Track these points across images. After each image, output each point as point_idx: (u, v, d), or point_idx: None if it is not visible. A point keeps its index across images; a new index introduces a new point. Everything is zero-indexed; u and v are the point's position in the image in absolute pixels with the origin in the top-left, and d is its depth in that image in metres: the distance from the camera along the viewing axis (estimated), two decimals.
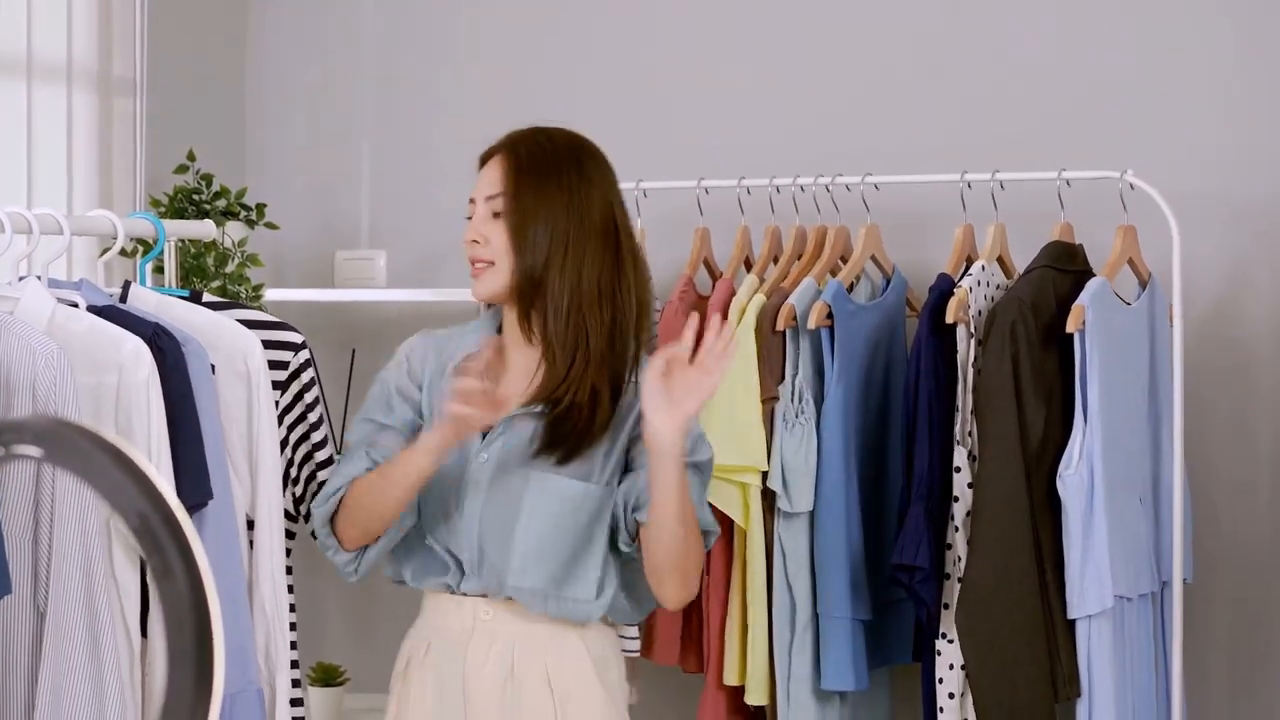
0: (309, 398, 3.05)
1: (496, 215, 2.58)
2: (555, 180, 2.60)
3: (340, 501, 2.65)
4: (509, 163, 2.62)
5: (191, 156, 3.95)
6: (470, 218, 2.63)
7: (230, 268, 3.82)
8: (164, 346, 2.73)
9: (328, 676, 3.89)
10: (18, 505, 2.53)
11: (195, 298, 3.03)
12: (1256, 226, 3.50)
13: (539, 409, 2.57)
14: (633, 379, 2.57)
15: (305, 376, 3.05)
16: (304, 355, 3.05)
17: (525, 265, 2.56)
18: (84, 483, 1.35)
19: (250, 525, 2.98)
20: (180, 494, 2.69)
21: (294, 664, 3.11)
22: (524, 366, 2.62)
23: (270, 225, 3.98)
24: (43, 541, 2.55)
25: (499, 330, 2.68)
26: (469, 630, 2.59)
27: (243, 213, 3.95)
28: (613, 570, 2.58)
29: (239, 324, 2.96)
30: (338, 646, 4.18)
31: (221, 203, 3.90)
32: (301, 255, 4.22)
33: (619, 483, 2.57)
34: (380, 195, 4.23)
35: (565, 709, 2.56)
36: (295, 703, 3.09)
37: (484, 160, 2.66)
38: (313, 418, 3.05)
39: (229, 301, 3.07)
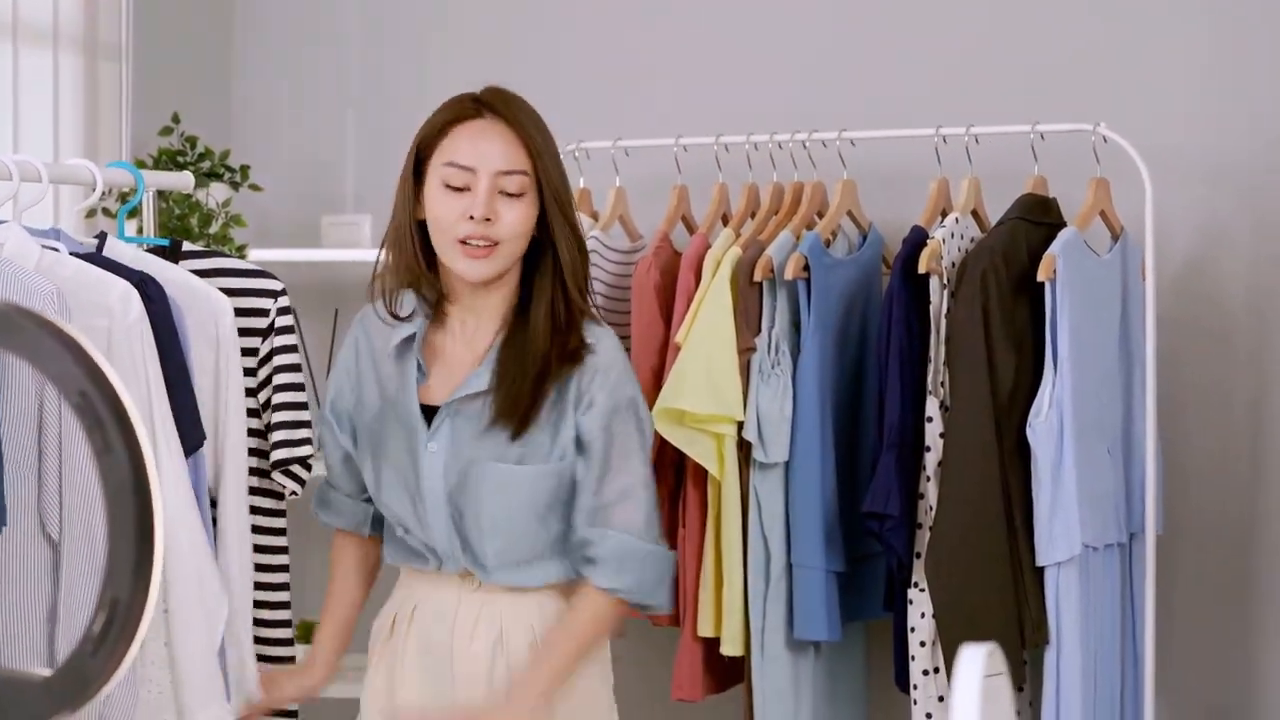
0: (287, 343, 3.08)
1: (510, 195, 2.49)
2: (557, 154, 2.56)
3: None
4: (526, 140, 2.52)
5: (176, 119, 3.98)
6: (461, 188, 2.50)
7: (214, 228, 3.85)
8: (151, 294, 2.74)
9: (310, 635, 3.91)
10: (20, 434, 2.51)
11: (176, 247, 3.05)
12: (1232, 182, 3.52)
13: (486, 387, 2.54)
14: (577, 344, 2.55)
15: (283, 324, 3.07)
16: (283, 302, 3.07)
17: (581, 240, 2.57)
18: (26, 362, 1.38)
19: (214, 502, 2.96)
20: (180, 437, 2.72)
21: (286, 623, 3.15)
22: (464, 357, 2.60)
23: (254, 187, 4.02)
24: (49, 470, 2.54)
25: (430, 316, 2.63)
26: (455, 600, 2.61)
27: (227, 174, 3.98)
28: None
29: (212, 288, 2.95)
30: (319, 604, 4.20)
31: (206, 164, 3.94)
32: (287, 219, 4.24)
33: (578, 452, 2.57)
34: (366, 160, 4.26)
35: None
36: (283, 642, 3.12)
37: (457, 120, 2.53)
38: (291, 362, 3.07)
39: (209, 250, 3.10)
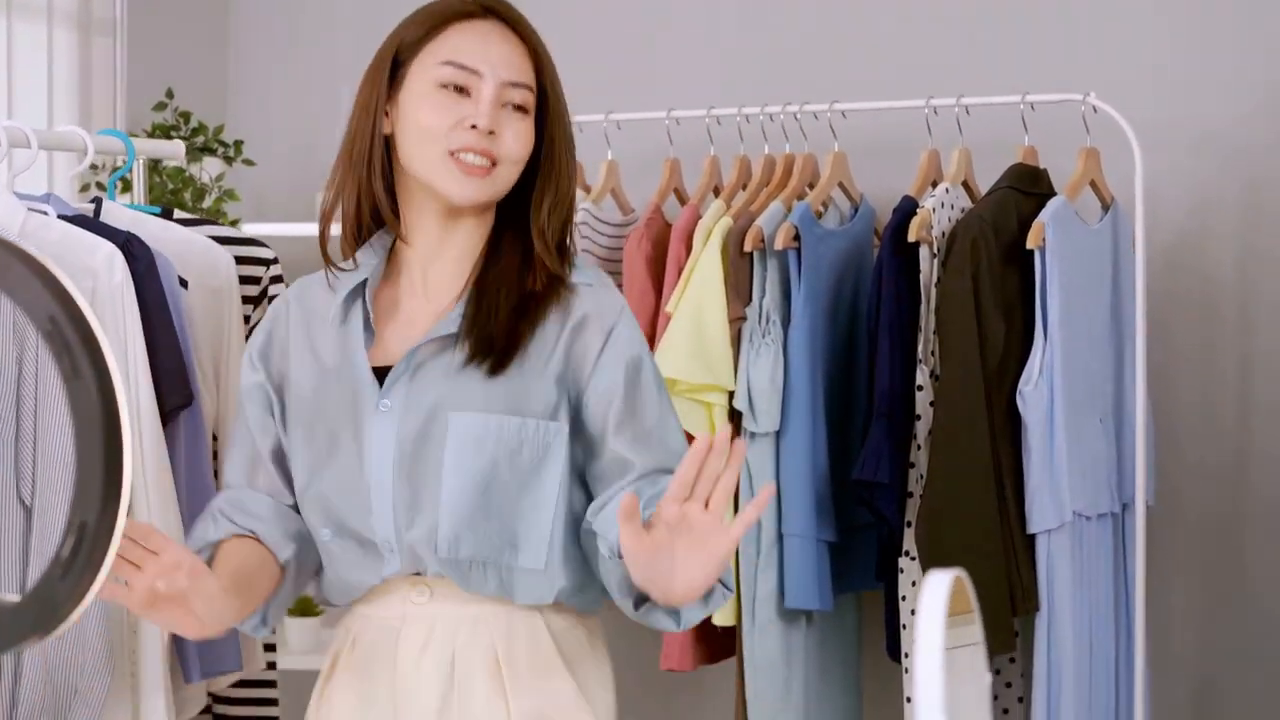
0: None
1: (515, 109, 2.10)
2: (557, 77, 2.18)
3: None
4: (535, 52, 2.14)
5: (170, 94, 3.99)
6: (459, 92, 2.09)
7: (207, 203, 3.86)
8: (137, 254, 2.76)
9: (305, 608, 3.92)
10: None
11: (167, 215, 3.06)
12: (1221, 152, 3.52)
13: (456, 329, 2.10)
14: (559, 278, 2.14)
15: (276, 291, 3.08)
16: (275, 270, 3.08)
17: (566, 185, 2.14)
18: None
19: (215, 439, 3.01)
20: (161, 398, 2.73)
21: None
22: (424, 310, 2.16)
23: (248, 162, 4.03)
24: (25, 437, 2.55)
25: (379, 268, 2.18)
26: (399, 619, 2.10)
27: (220, 149, 3.99)
28: (568, 535, 2.09)
29: (211, 240, 3.00)
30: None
31: (200, 139, 3.95)
32: (282, 197, 4.25)
33: (573, 429, 2.09)
34: None
35: (520, 705, 2.07)
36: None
37: (455, 18, 2.13)
38: None
39: (200, 218, 3.11)
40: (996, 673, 3.34)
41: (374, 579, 2.10)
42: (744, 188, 3.55)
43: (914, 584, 3.20)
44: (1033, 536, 3.13)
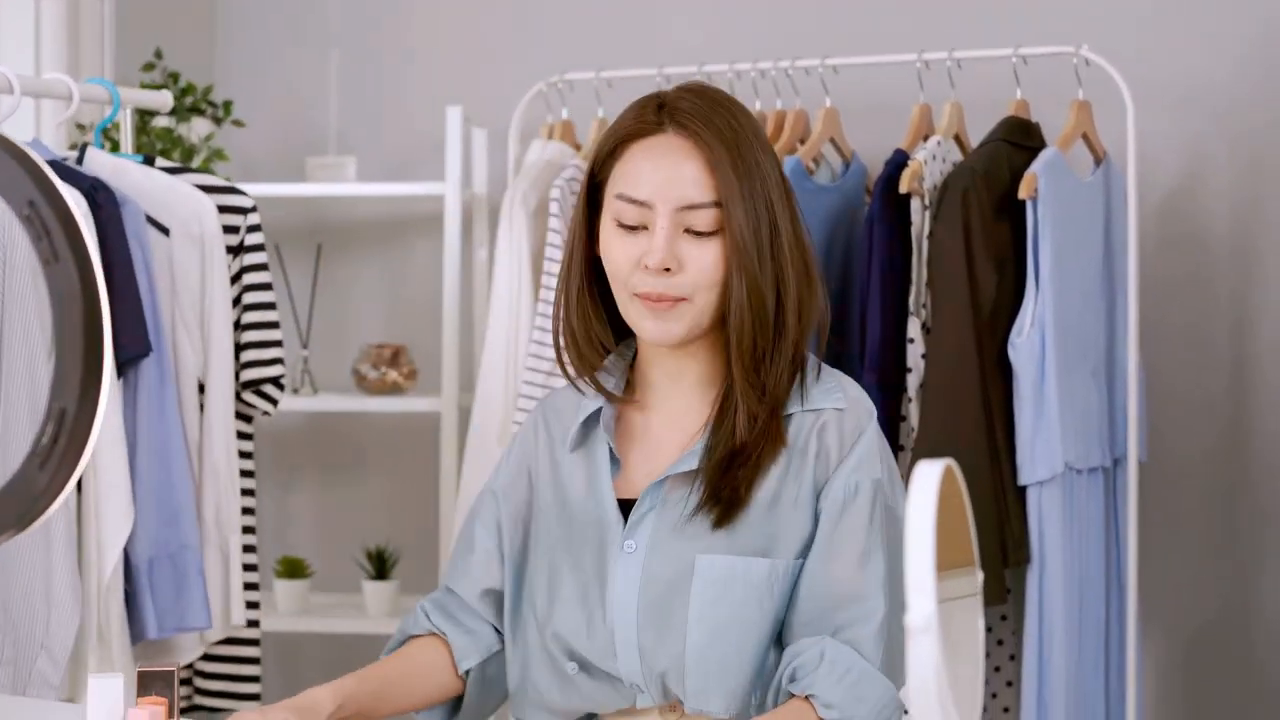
0: (257, 261, 3.07)
1: (699, 234, 1.93)
2: (760, 173, 1.96)
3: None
4: (712, 154, 1.94)
5: (159, 54, 3.98)
6: (635, 227, 1.95)
7: (196, 163, 3.85)
8: (100, 201, 2.74)
9: (293, 570, 3.90)
10: None
11: (149, 163, 3.05)
12: (1214, 107, 3.51)
13: (698, 465, 1.96)
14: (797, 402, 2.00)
15: (253, 242, 3.07)
16: (253, 219, 3.06)
17: (763, 303, 1.94)
18: None
19: (202, 389, 3.00)
20: (117, 347, 2.71)
21: (250, 548, 3.13)
22: (672, 438, 2.02)
23: (237, 123, 4.01)
24: None
25: (627, 381, 2.06)
26: None
27: (209, 109, 3.97)
28: None
29: (195, 188, 2.99)
30: (303, 543, 4.20)
31: (188, 99, 3.93)
32: (272, 161, 4.23)
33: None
34: (349, 101, 4.24)
35: None
36: (249, 567, 3.11)
37: (632, 136, 1.96)
38: (261, 281, 3.07)
39: (181, 166, 3.09)
40: (988, 630, 3.32)
41: (625, 704, 1.99)
42: None
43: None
44: (1024, 488, 3.12)
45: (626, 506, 1.99)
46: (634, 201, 1.94)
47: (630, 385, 2.06)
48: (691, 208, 1.93)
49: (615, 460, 2.02)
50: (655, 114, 1.96)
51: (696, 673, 1.93)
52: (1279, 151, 3.47)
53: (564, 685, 2.00)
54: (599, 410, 2.04)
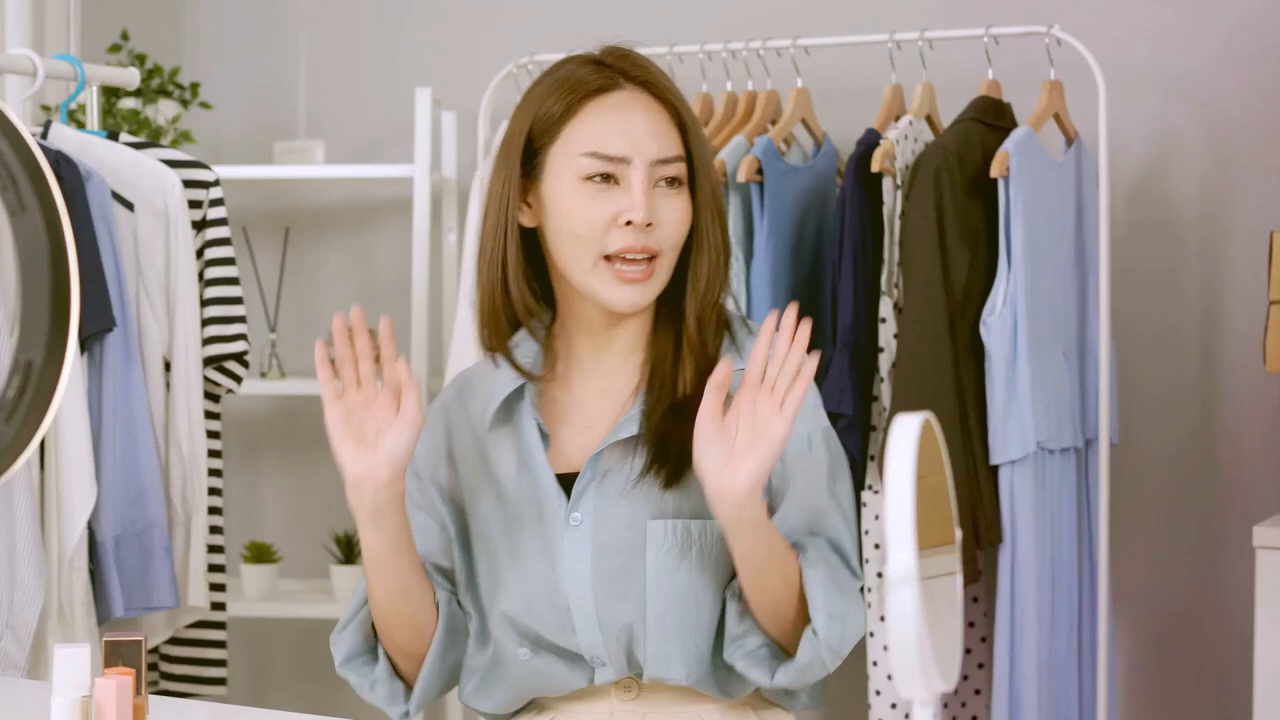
0: (220, 235, 3.05)
1: (669, 183, 1.91)
2: (702, 132, 1.98)
3: (362, 632, 1.99)
4: (679, 114, 1.94)
5: (125, 35, 3.95)
6: (606, 178, 1.90)
7: (164, 144, 3.82)
8: (63, 174, 2.73)
9: (261, 555, 3.88)
10: None
11: (113, 138, 3.03)
12: (1185, 88, 3.51)
13: (638, 430, 1.93)
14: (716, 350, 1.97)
15: (215, 216, 3.05)
16: (215, 193, 3.05)
17: (727, 253, 1.95)
18: None
19: (168, 367, 2.97)
20: (82, 321, 2.68)
21: (216, 529, 3.11)
22: (603, 408, 1.98)
23: (204, 105, 3.99)
24: None
25: (544, 345, 2.00)
26: (606, 715, 1.97)
27: (176, 91, 3.95)
28: None
29: (160, 163, 2.97)
30: (271, 528, 4.17)
31: (155, 81, 3.90)
32: (239, 144, 4.21)
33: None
34: (318, 83, 4.22)
35: None
36: (216, 549, 3.09)
37: (589, 93, 1.91)
38: (224, 255, 3.04)
39: (145, 141, 3.07)
40: None
41: (581, 683, 1.95)
42: (705, 125, 3.52)
43: (876, 517, 3.18)
44: (996, 468, 3.11)
45: (563, 481, 1.95)
46: (608, 158, 1.89)
47: (548, 360, 2.00)
48: (665, 161, 1.90)
49: (544, 435, 1.96)
50: (604, 71, 1.93)
51: (658, 638, 1.90)
52: (1251, 137, 3.47)
53: (515, 671, 1.97)
54: (522, 387, 1.98)
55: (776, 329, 1.78)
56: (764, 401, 1.78)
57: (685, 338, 1.93)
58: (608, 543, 1.91)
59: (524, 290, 1.95)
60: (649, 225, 1.88)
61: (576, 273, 1.92)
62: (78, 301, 1.27)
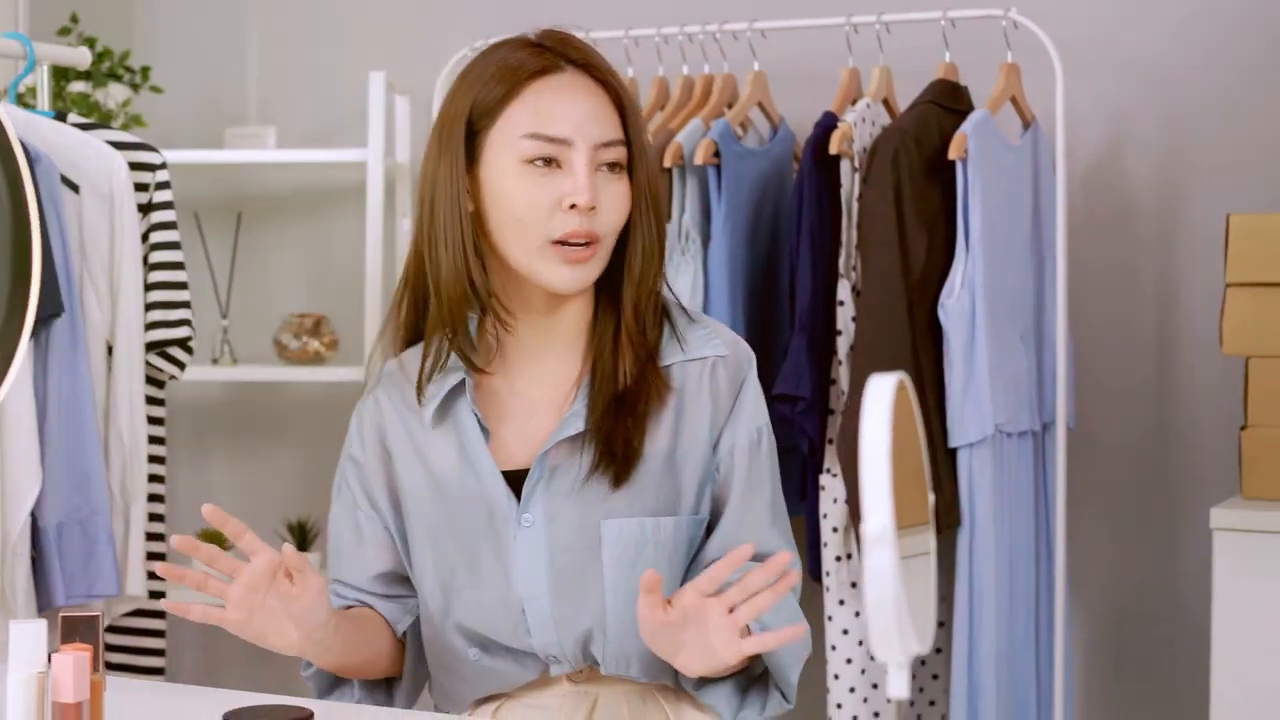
0: (166, 219, 3.01)
1: (610, 168, 1.89)
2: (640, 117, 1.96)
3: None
4: (619, 98, 1.91)
5: (74, 18, 3.90)
6: (548, 162, 1.87)
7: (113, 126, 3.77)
8: None
9: (212, 543, 3.83)
10: None
11: (61, 118, 2.99)
12: (1143, 74, 3.51)
13: (582, 426, 1.89)
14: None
15: (161, 199, 3.01)
16: (161, 176, 3.01)
17: (663, 241, 1.93)
18: None
19: (111, 352, 2.93)
20: None
21: (154, 497, 3.07)
22: (547, 399, 1.95)
23: (155, 89, 3.95)
24: None
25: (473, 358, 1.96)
26: (558, 695, 1.96)
27: (127, 75, 3.91)
28: None
29: (106, 144, 2.93)
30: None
31: (105, 64, 3.86)
32: (191, 130, 4.17)
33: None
34: (270, 67, 4.18)
35: None
36: (152, 537, 3.05)
37: (530, 76, 1.88)
38: (169, 239, 3.01)
39: (94, 122, 3.03)
40: None
41: (533, 677, 1.94)
42: (661, 109, 3.50)
43: (835, 501, 3.17)
44: (954, 451, 3.11)
45: (509, 479, 1.91)
46: (550, 139, 1.86)
47: (484, 350, 1.96)
48: (607, 144, 1.88)
49: (485, 430, 1.93)
50: (545, 54, 1.89)
51: (617, 638, 1.89)
52: (1208, 120, 3.48)
53: (467, 671, 1.96)
54: (462, 381, 1.94)
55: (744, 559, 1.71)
56: (717, 620, 1.72)
57: (624, 327, 1.91)
58: (562, 544, 1.88)
59: (484, 276, 1.90)
60: (592, 209, 1.86)
61: (519, 255, 1.88)
62: (39, 263, 1.25)
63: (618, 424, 1.87)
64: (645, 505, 1.89)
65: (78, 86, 3.76)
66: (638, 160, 1.90)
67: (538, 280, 1.88)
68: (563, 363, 1.95)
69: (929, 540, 1.41)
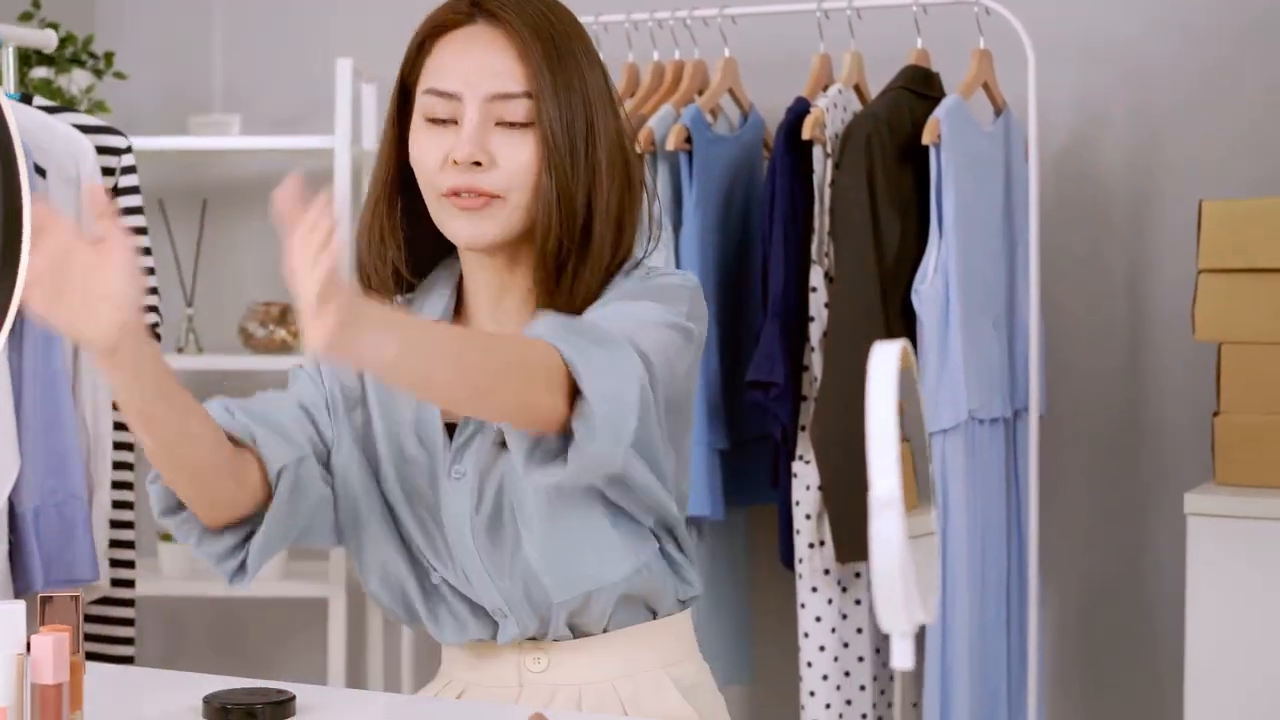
0: (132, 204, 2.98)
1: (510, 125, 1.82)
2: (578, 70, 1.84)
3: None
4: (524, 44, 1.83)
5: (36, 4, 3.86)
6: (445, 122, 1.84)
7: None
8: None
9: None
10: None
11: (26, 101, 2.95)
12: (1115, 61, 3.51)
13: None
14: None
15: (127, 184, 2.98)
16: (127, 160, 2.97)
17: (572, 204, 1.83)
18: None
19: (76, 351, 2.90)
20: None
21: (127, 505, 3.04)
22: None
23: (119, 75, 3.91)
24: None
25: (458, 289, 1.95)
26: (515, 687, 1.93)
27: (90, 61, 3.87)
28: (642, 529, 1.90)
29: (73, 128, 2.89)
30: None
31: (68, 49, 3.82)
32: (155, 116, 4.13)
33: None
34: (236, 54, 4.15)
35: None
36: (119, 525, 3.01)
37: (441, 30, 1.86)
38: (135, 225, 2.97)
39: (59, 105, 2.99)
40: None
41: (486, 636, 1.91)
42: (631, 95, 3.49)
43: (808, 488, 3.16)
44: (929, 435, 3.10)
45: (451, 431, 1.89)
46: (442, 94, 1.83)
47: (459, 305, 1.94)
48: (502, 97, 1.81)
49: None
50: (466, 7, 1.85)
51: (557, 586, 1.85)
52: (1179, 107, 3.48)
53: (436, 596, 1.92)
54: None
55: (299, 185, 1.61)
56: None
57: (536, 289, 1.86)
58: (489, 495, 1.85)
59: (391, 229, 1.90)
60: (477, 164, 1.81)
61: (431, 210, 1.86)
62: (30, 222, 1.22)
63: None
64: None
65: (40, 72, 3.72)
66: (543, 114, 1.81)
67: (446, 234, 1.86)
68: (516, 320, 1.89)
69: (931, 520, 1.40)
